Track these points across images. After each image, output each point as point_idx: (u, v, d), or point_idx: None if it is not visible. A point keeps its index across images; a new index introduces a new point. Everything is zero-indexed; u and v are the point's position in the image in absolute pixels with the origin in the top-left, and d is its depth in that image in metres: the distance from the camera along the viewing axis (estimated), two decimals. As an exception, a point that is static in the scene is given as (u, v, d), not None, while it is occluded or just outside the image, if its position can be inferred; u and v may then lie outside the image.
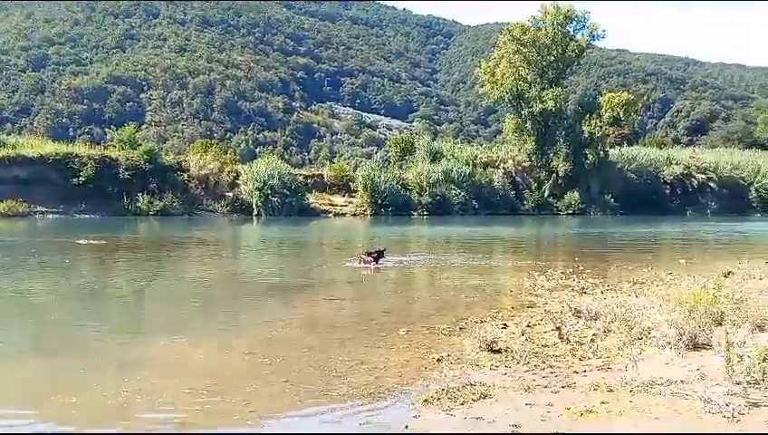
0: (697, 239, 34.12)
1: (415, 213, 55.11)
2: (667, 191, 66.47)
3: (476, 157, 64.55)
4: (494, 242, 32.17)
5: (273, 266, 21.38)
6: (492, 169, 62.61)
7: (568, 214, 59.86)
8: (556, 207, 61.28)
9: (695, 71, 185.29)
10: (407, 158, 63.54)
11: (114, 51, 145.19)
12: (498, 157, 65.62)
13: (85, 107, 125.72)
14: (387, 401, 7.50)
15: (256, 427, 6.72)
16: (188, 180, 51.97)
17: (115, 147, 53.49)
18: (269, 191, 50.89)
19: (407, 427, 6.65)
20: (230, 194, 52.16)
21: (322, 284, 17.18)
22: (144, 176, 49.58)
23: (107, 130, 79.16)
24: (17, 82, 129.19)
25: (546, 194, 61.98)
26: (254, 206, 51.17)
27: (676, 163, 68.53)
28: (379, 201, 54.47)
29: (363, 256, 19.97)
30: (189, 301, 14.44)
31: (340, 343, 10.11)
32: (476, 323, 11.30)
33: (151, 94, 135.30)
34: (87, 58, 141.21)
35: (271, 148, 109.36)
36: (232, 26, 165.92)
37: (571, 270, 18.32)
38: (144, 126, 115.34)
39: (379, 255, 20.10)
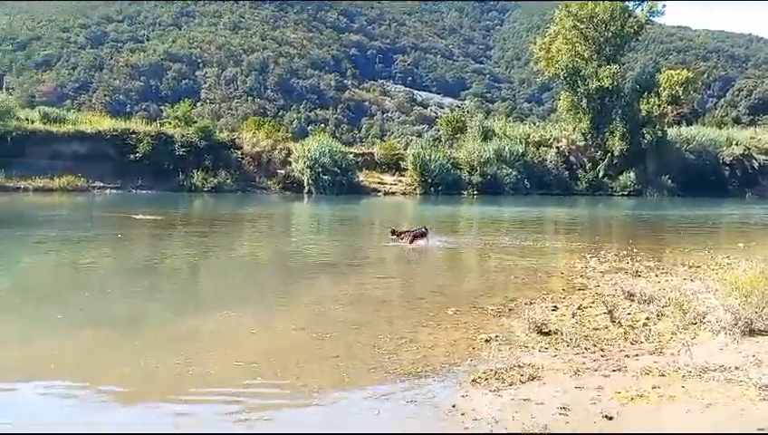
0: (757, 223, 33.19)
1: (465, 192, 54.76)
2: (727, 173, 64.63)
3: (529, 136, 63.70)
4: (546, 223, 31.83)
5: (322, 244, 21.54)
6: (545, 149, 61.74)
7: (623, 195, 58.76)
8: (611, 187, 60.20)
9: (758, 48, 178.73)
10: (458, 136, 63.06)
11: (170, 28, 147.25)
12: (552, 136, 64.64)
13: (142, 84, 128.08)
14: (434, 379, 7.53)
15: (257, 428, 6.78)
16: (242, 157, 52.55)
17: (171, 123, 54.34)
18: (320, 169, 51.12)
19: (454, 406, 6.68)
20: (282, 171, 52.59)
21: (372, 262, 17.25)
22: (199, 153, 50.30)
23: (163, 107, 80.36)
24: (77, 59, 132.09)
25: (601, 174, 60.92)
26: (305, 183, 51.49)
27: (737, 144, 66.50)
28: (429, 180, 54.25)
29: (393, 237, 20.22)
30: (241, 277, 14.67)
31: (389, 321, 10.17)
32: (526, 304, 11.23)
33: (206, 72, 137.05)
34: (144, 35, 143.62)
35: (322, 126, 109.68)
36: (286, 3, 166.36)
37: (625, 252, 18.03)
38: (199, 103, 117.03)
39: (418, 235, 20.12)
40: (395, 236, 20.39)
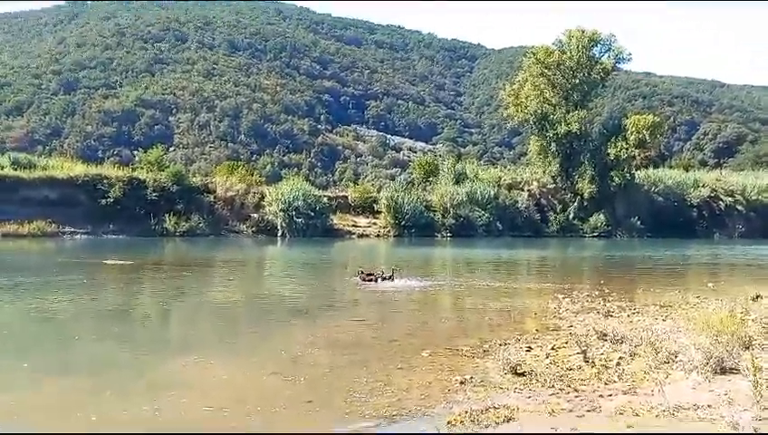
0: (725, 263, 33.63)
1: (438, 235, 54.87)
2: (694, 214, 65.63)
3: (501, 179, 64.32)
4: (519, 264, 31.94)
5: (296, 288, 21.38)
6: (516, 191, 62.31)
7: (593, 236, 59.29)
8: (581, 229, 60.73)
9: (721, 93, 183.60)
10: (430, 180, 63.46)
11: (143, 75, 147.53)
12: (523, 179, 65.33)
13: (114, 129, 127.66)
14: (410, 423, 7.43)
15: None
16: (214, 202, 52.31)
17: (143, 168, 54.04)
18: (294, 212, 51.03)
19: (429, 450, 6.57)
20: (255, 215, 52.38)
21: (345, 305, 17.19)
22: (171, 197, 49.99)
23: (135, 152, 79.99)
24: (49, 105, 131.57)
25: (571, 216, 61.51)
26: (278, 227, 51.31)
27: (703, 186, 67.74)
28: (403, 222, 54.35)
29: (362, 276, 20.95)
30: (212, 322, 14.47)
31: (363, 365, 10.06)
32: (500, 345, 11.19)
33: (179, 117, 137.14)
34: (117, 81, 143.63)
35: (296, 170, 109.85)
36: (259, 50, 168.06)
37: (597, 293, 18.11)
38: (172, 148, 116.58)
39: (383, 277, 20.85)
40: (362, 277, 20.91)
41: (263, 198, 53.38)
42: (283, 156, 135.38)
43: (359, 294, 18.86)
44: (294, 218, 50.86)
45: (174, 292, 19.25)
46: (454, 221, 55.86)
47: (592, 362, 9.82)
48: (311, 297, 18.54)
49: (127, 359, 10.60)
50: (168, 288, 20.12)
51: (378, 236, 53.42)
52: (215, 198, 52.45)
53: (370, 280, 20.74)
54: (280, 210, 51.24)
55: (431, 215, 56.52)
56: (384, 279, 20.92)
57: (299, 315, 15.22)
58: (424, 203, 56.99)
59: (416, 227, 54.28)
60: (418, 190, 60.55)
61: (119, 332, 12.87)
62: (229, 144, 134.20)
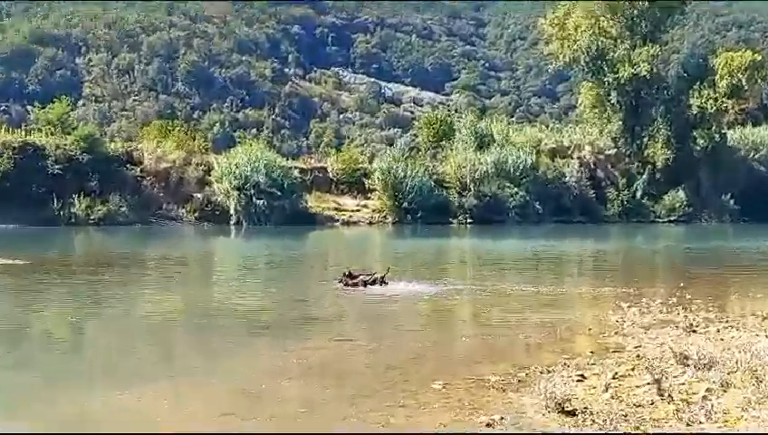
0: None
1: (454, 220, 55.11)
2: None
3: (541, 142, 64.48)
4: (567, 261, 32.05)
5: (257, 296, 21.43)
6: (562, 160, 62.48)
7: (669, 221, 59.58)
8: (653, 211, 60.98)
9: None
10: (442, 144, 63.54)
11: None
12: (571, 142, 65.49)
13: (0, 76, 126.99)
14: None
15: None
16: (142, 177, 52.33)
17: (41, 131, 53.88)
18: (252, 191, 51.07)
19: None
20: (199, 195, 52.44)
21: (327, 319, 17.21)
22: (81, 171, 49.93)
23: (29, 108, 79.92)
24: None
25: (639, 194, 61.71)
26: (231, 211, 51.38)
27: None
28: (405, 204, 54.47)
29: (345, 279, 21.38)
30: (144, 343, 14.49)
31: (351, 401, 10.11)
32: (542, 373, 11.25)
33: (90, 59, 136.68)
34: (2, 9, 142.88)
35: (255, 132, 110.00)
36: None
37: (675, 300, 18.17)
38: (81, 102, 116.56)
39: (373, 281, 21.31)
40: (345, 280, 21.37)
41: (209, 171, 53.39)
42: (237, 112, 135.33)
43: (344, 305, 18.91)
44: (254, 200, 50.88)
45: (87, 302, 19.23)
46: (475, 202, 56.00)
47: (669, 395, 9.88)
48: (278, 309, 18.56)
49: (25, 394, 10.61)
50: (80, 298, 20.09)
51: (370, 223, 53.61)
52: (142, 171, 52.44)
53: (355, 285, 21.03)
54: (233, 188, 51.21)
55: (444, 193, 56.67)
56: (374, 283, 21.20)
57: (262, 333, 15.26)
58: (434, 177, 57.08)
59: (423, 210, 54.37)
60: (426, 159, 60.63)
61: (13, 358, 12.88)
62: (161, 96, 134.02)
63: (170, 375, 11.90)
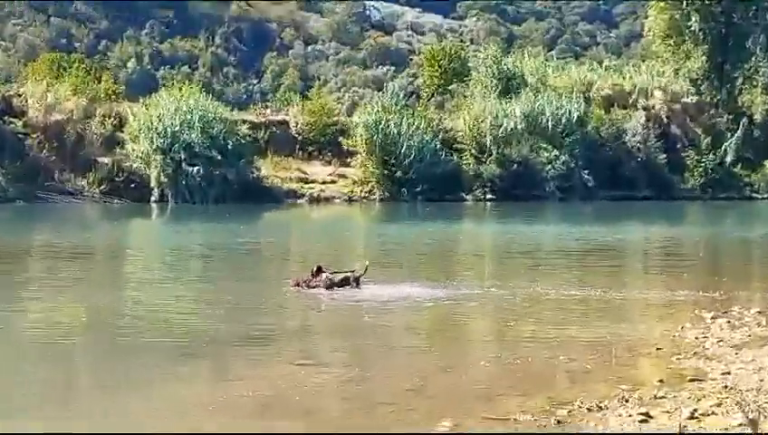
0: None
1: (469, 197, 55.06)
2: None
3: (592, 87, 64.31)
4: (627, 255, 32.09)
5: (191, 302, 21.41)
6: (622, 112, 62.34)
7: (773, 198, 59.67)
8: (749, 184, 61.02)
9: None
10: (452, 90, 63.42)
11: None
12: (635, 87, 65.28)
13: None
14: None
15: None
16: (25, 134, 52.07)
17: None
18: (183, 155, 50.86)
19: None
20: (106, 160, 52.22)
21: (287, 334, 17.24)
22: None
23: None
24: None
25: (729, 159, 61.69)
26: (153, 183, 51.19)
27: None
28: (399, 174, 54.32)
29: (307, 278, 21.81)
30: (30, 367, 14.44)
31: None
32: (590, 410, 11.23)
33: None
34: None
35: (186, 70, 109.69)
36: None
37: (780, 309, 18.15)
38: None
39: (343, 282, 21.67)
40: (299, 280, 21.84)
41: (121, 126, 53.19)
42: (161, 43, 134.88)
43: (312, 316, 19.04)
44: (184, 167, 50.61)
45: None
46: (499, 171, 55.81)
47: (770, 441, 9.81)
48: (217, 321, 18.50)
49: None
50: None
51: (350, 200, 53.55)
52: (25, 126, 52.17)
53: (316, 286, 21.45)
54: (155, 151, 50.92)
55: (455, 159, 56.49)
56: (344, 284, 21.58)
57: (194, 355, 15.21)
58: (440, 136, 56.89)
59: (424, 182, 54.19)
60: (429, 110, 60.44)
61: None
62: (53, 20, 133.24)
63: (65, 412, 11.80)
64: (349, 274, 21.91)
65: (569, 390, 12.51)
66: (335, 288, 21.27)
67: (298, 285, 21.69)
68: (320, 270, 21.85)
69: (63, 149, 52.33)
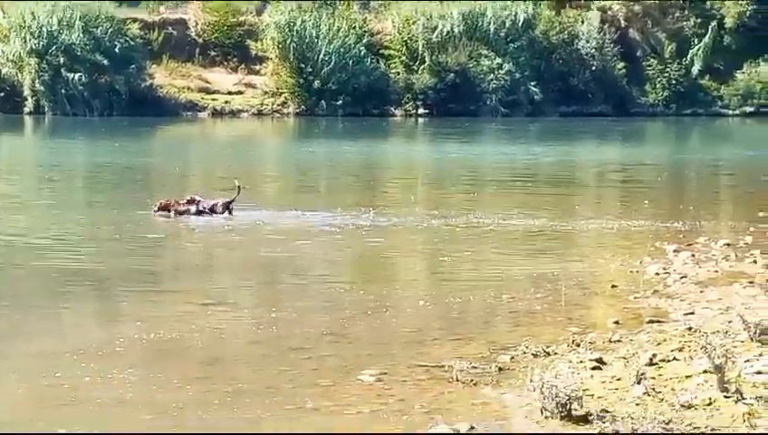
0: None
1: (399, 111, 55.00)
2: None
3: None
4: (579, 179, 32.31)
5: (67, 232, 21.42)
6: (575, 13, 62.38)
7: (745, 115, 60.07)
8: (718, 98, 61.37)
9: None
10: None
11: None
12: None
13: None
14: None
15: None
16: None
17: None
18: (62, 59, 50.30)
19: None
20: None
21: (182, 269, 17.53)
22: None
23: None
24: None
25: (696, 69, 62.01)
26: (26, 92, 50.66)
27: None
28: (317, 84, 54.09)
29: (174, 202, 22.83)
30: None
31: (229, 402, 10.19)
32: (536, 356, 11.44)
33: None
34: None
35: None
36: None
37: (750, 240, 18.45)
38: None
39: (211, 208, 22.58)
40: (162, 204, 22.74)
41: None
42: None
43: (206, 249, 19.40)
44: (63, 73, 50.03)
45: None
46: (433, 81, 55.63)
47: (738, 391, 10.07)
48: (98, 252, 18.66)
49: None
50: None
51: (259, 113, 53.30)
52: None
53: (185, 212, 22.46)
54: (29, 54, 50.30)
55: (382, 67, 56.21)
56: (212, 211, 22.45)
57: (76, 292, 15.32)
58: (365, 39, 56.54)
59: (346, 93, 53.97)
60: (352, 10, 60.00)
61: None
62: None
63: None
64: (220, 201, 22.54)
65: (512, 333, 12.70)
66: (201, 214, 22.12)
67: (165, 209, 22.45)
68: (192, 202, 22.58)
69: None
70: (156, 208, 22.56)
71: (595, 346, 11.98)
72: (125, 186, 29.90)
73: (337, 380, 10.87)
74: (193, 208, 22.37)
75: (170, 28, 57.47)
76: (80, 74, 50.20)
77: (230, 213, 22.17)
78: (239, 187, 22.67)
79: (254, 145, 42.96)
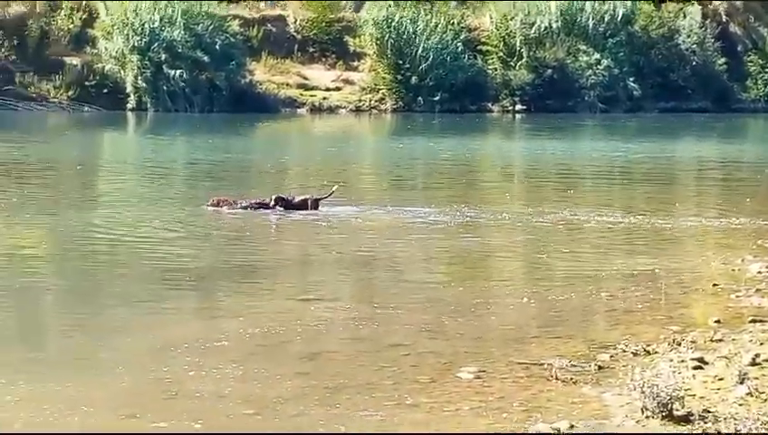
0: None
1: (496, 107, 54.87)
2: None
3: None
4: (678, 176, 32.08)
5: (170, 227, 21.67)
6: (675, 8, 61.83)
7: None
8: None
9: None
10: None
11: None
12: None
13: None
14: None
15: None
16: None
17: None
18: (163, 56, 50.58)
19: None
20: (75, 61, 51.97)
21: (282, 265, 17.61)
22: None
23: None
24: None
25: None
26: (129, 88, 50.98)
27: None
28: (414, 80, 54.02)
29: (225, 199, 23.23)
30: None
31: (328, 399, 10.20)
32: (635, 355, 11.36)
33: None
34: None
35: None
36: None
37: None
38: None
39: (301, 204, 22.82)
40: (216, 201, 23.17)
41: (91, 21, 52.65)
42: None
43: (306, 245, 19.54)
44: (165, 70, 50.28)
45: None
46: (530, 77, 55.37)
47: None
48: (200, 247, 18.88)
49: None
50: None
51: (357, 110, 53.30)
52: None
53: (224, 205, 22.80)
54: (132, 51, 50.57)
55: (479, 63, 56.06)
56: (300, 207, 22.63)
57: (179, 286, 15.50)
58: (462, 36, 56.37)
59: (443, 90, 53.84)
60: (450, 6, 59.84)
61: None
62: None
63: (37, 352, 11.98)
64: (309, 197, 22.74)
65: (611, 331, 12.63)
66: (291, 210, 22.28)
67: (218, 205, 22.82)
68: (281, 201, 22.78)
69: (25, 48, 52.07)
70: (210, 204, 23.12)
71: (696, 345, 11.87)
72: (221, 182, 30.09)
73: (436, 376, 10.85)
74: (244, 203, 22.88)
75: (269, 25, 57.62)
76: (181, 71, 50.54)
77: (316, 209, 22.39)
78: (333, 191, 22.95)
79: (349, 141, 43.04)
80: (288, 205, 22.62)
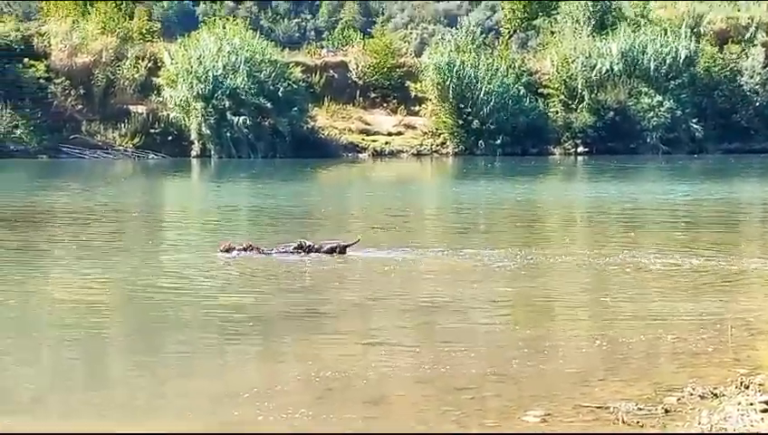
0: None
1: (557, 150, 54.88)
2: None
3: (701, 20, 63.66)
4: (744, 217, 31.91)
5: (233, 272, 21.82)
6: (737, 49, 61.67)
7: None
8: None
9: None
10: (537, 25, 63.11)
11: None
12: (752, 19, 64.51)
13: None
14: None
15: None
16: (47, 79, 52.28)
17: None
18: (227, 103, 50.97)
19: None
20: (141, 109, 52.44)
21: (343, 309, 17.64)
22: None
23: None
24: None
25: None
26: (193, 135, 51.40)
27: None
28: (475, 124, 54.18)
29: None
30: (51, 352, 14.71)
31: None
32: (703, 398, 11.23)
33: None
34: None
35: (230, 4, 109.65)
36: None
37: None
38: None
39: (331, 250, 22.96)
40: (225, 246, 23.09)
41: (157, 69, 53.18)
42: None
43: (364, 288, 19.47)
44: (229, 117, 50.70)
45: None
46: (592, 120, 55.48)
47: None
48: (260, 292, 19.06)
49: None
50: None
51: (418, 154, 53.47)
52: (48, 70, 52.29)
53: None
54: (196, 98, 51.01)
55: (540, 106, 56.20)
56: (332, 252, 22.74)
57: (239, 331, 15.57)
58: (524, 79, 56.58)
59: (505, 133, 54.07)
60: (511, 50, 60.11)
61: None
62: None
63: (104, 399, 11.98)
64: (338, 244, 22.93)
65: (678, 374, 12.50)
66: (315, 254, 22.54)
67: (228, 251, 22.84)
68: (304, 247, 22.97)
69: (91, 97, 52.60)
70: (221, 249, 23.10)
71: (764, 388, 11.70)
72: (282, 226, 30.34)
73: (501, 420, 10.77)
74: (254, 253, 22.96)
75: (331, 71, 58.11)
76: (244, 118, 51.00)
77: (343, 254, 22.64)
78: (358, 239, 23.19)
79: (410, 185, 43.13)
80: (313, 251, 22.81)
